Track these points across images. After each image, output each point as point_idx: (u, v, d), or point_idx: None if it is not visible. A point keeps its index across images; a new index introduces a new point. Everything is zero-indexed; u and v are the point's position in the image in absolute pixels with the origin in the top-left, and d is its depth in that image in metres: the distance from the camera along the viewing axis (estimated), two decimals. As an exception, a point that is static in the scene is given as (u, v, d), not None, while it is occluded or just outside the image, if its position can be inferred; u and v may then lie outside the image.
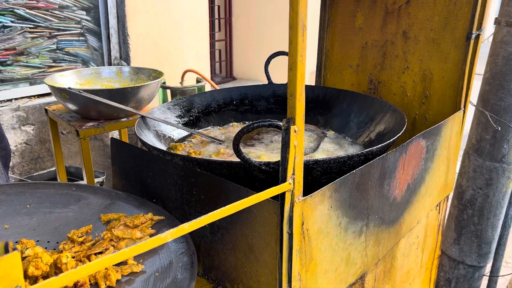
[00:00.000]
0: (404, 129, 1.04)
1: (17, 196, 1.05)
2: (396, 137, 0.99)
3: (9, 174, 2.53)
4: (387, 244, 1.08)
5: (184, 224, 0.54)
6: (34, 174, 2.60)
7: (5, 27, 2.50)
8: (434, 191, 1.26)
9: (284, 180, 0.71)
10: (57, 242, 0.93)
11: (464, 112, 1.33)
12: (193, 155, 1.17)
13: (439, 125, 1.17)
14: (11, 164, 2.57)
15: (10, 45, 2.55)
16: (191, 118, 1.39)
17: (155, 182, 1.03)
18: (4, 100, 2.57)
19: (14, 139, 2.55)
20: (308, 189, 0.78)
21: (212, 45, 4.98)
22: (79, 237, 0.93)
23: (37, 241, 0.92)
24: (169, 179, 0.98)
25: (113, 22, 2.95)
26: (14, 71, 2.60)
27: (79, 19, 2.82)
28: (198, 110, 1.42)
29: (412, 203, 1.15)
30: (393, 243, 1.11)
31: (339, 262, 0.90)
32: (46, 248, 0.90)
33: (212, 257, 0.94)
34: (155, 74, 2.11)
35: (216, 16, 5.19)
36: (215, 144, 1.27)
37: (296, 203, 0.73)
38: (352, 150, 1.21)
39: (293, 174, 0.71)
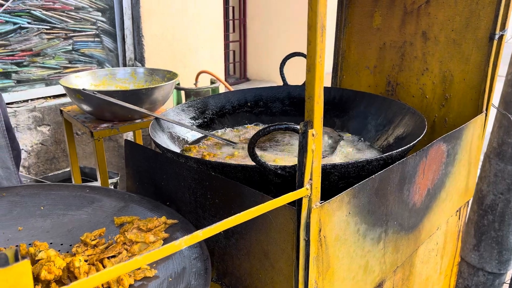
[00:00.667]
0: (424, 132, 1.01)
1: (31, 197, 1.04)
2: (416, 141, 0.96)
3: (25, 174, 2.55)
4: (406, 251, 1.04)
5: (198, 231, 0.53)
6: (49, 175, 2.62)
7: (22, 28, 2.53)
8: (454, 196, 1.23)
9: (301, 185, 0.69)
10: (70, 245, 0.92)
11: (486, 115, 1.29)
12: (207, 158, 1.15)
13: (461, 129, 1.13)
14: (27, 164, 2.60)
15: (27, 46, 2.57)
16: (205, 120, 1.38)
17: (169, 185, 1.02)
18: (20, 101, 2.59)
19: (30, 140, 2.57)
20: (325, 194, 0.75)
21: (226, 46, 4.97)
22: (92, 240, 0.92)
23: (50, 243, 0.92)
24: (183, 182, 0.96)
25: (128, 23, 2.96)
26: (31, 72, 2.63)
27: (95, 20, 2.84)
28: (213, 112, 1.40)
29: (432, 209, 1.11)
30: (412, 250, 1.08)
31: (357, 270, 0.87)
32: (59, 250, 0.90)
33: (226, 263, 0.93)
34: (170, 75, 2.10)
35: (231, 17, 5.18)
36: (230, 147, 1.26)
37: (314, 209, 0.71)
38: (370, 154, 1.18)
39: (311, 179, 0.69)
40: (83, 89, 1.30)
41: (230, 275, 0.93)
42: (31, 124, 2.56)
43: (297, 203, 0.71)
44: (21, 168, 2.53)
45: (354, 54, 1.57)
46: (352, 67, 1.58)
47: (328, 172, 0.83)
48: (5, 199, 1.03)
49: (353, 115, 1.34)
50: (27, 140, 2.56)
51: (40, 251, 0.85)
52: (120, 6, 2.91)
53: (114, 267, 0.46)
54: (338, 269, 0.82)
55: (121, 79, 2.17)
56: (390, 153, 0.89)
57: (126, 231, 0.92)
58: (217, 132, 1.39)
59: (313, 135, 0.66)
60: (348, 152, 1.17)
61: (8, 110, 2.42)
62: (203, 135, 1.31)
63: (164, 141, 1.16)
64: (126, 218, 0.98)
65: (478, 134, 1.27)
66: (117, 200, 1.05)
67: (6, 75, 2.54)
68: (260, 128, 1.20)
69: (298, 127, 0.68)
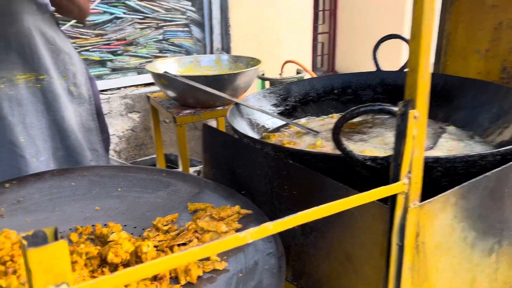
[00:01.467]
0: (554, 125, 0.82)
1: (110, 178, 1.05)
2: (544, 134, 0.78)
3: (116, 159, 2.69)
4: (522, 268, 0.86)
5: (267, 223, 0.44)
6: (138, 160, 2.73)
7: (117, 18, 2.65)
8: None
9: (396, 179, 0.57)
10: (143, 229, 0.89)
11: None
12: (286, 146, 1.06)
13: None
14: (118, 149, 2.73)
15: (121, 36, 2.70)
16: (287, 107, 1.30)
17: (245, 172, 0.95)
18: (114, 88, 2.73)
19: (122, 126, 2.70)
20: (422, 193, 0.62)
21: (315, 38, 4.83)
22: (164, 225, 0.88)
23: (124, 225, 0.90)
24: (259, 170, 0.89)
25: (216, 13, 2.97)
26: (124, 61, 2.75)
27: (184, 10, 2.89)
28: (295, 99, 1.31)
29: (559, 220, 0.91)
30: (530, 268, 0.89)
31: (461, 286, 0.73)
32: (132, 233, 0.87)
33: (303, 262, 0.83)
34: (253, 62, 2.05)
35: (321, 7, 5.03)
36: (312, 136, 1.16)
37: (411, 209, 0.58)
38: (479, 149, 1.00)
39: (409, 172, 0.57)
40: (165, 72, 1.28)
41: (307, 276, 0.83)
42: (123, 110, 2.68)
43: (391, 200, 0.59)
44: (112, 152, 2.67)
45: (462, 37, 1.37)
46: (459, 51, 1.38)
47: (430, 166, 0.69)
48: (86, 178, 1.04)
49: (458, 105, 1.16)
50: (119, 126, 2.69)
51: (112, 233, 0.83)
52: (209, -5, 2.94)
53: (175, 254, 0.40)
54: (437, 283, 0.69)
55: (205, 66, 2.17)
56: (510, 147, 0.72)
57: (199, 219, 0.87)
58: (300, 120, 1.29)
59: (415, 117, 0.54)
60: (453, 146, 1.00)
61: (102, 96, 2.55)
62: (284, 123, 1.23)
63: (242, 127, 1.10)
64: (199, 205, 0.93)
65: None
66: (192, 185, 1.01)
67: (102, 63, 2.69)
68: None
69: (395, 108, 0.56)
